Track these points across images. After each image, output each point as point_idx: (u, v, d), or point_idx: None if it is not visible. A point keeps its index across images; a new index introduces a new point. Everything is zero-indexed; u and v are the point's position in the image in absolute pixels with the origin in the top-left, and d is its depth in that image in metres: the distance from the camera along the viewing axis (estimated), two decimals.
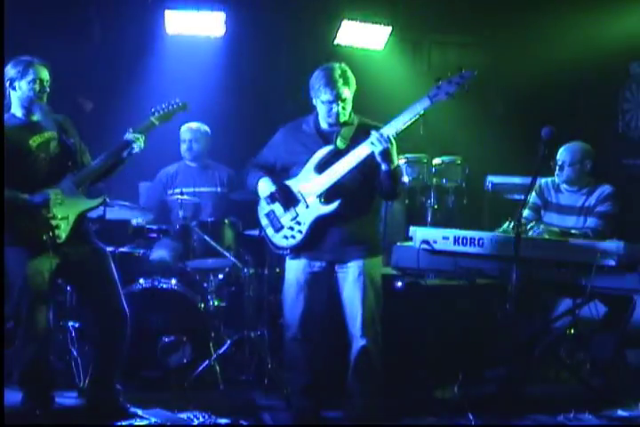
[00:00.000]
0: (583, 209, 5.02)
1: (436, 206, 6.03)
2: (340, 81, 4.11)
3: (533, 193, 5.08)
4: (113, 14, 6.76)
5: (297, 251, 4.25)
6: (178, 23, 6.67)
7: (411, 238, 4.73)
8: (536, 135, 4.24)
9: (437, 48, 7.73)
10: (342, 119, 4.19)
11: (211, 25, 6.71)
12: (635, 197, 6.14)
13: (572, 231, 4.91)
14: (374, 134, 3.98)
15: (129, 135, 4.29)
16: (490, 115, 7.52)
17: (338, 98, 4.12)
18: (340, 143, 4.17)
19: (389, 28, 7.07)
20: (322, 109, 4.18)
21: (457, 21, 7.46)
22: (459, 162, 6.22)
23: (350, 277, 4.19)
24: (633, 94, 7.24)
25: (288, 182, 4.26)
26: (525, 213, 5.00)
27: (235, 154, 6.65)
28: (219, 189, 5.97)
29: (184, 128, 5.96)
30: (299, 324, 4.27)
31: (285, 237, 4.24)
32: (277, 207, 4.26)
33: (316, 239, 4.18)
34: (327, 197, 4.14)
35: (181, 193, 5.54)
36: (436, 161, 6.15)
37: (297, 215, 4.21)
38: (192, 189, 5.84)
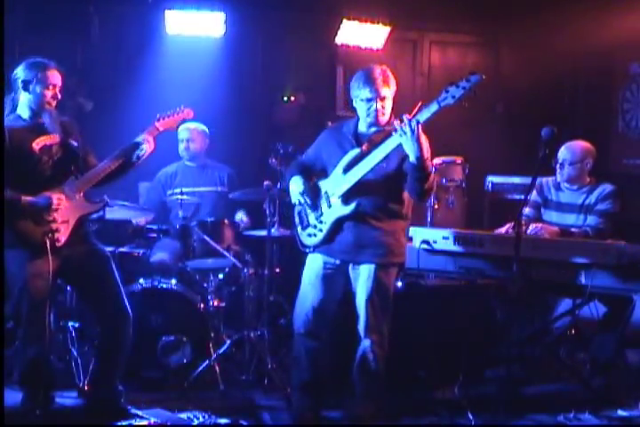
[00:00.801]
0: (583, 207, 5.03)
1: (436, 206, 6.03)
2: (380, 78, 4.14)
3: (534, 191, 5.09)
4: (113, 14, 6.76)
5: (315, 248, 4.31)
6: (178, 23, 6.66)
7: (411, 238, 4.73)
8: (536, 135, 4.24)
9: (437, 48, 7.74)
10: (382, 119, 4.19)
11: (211, 25, 6.70)
12: (635, 197, 6.15)
13: (572, 230, 4.91)
14: (403, 121, 3.94)
15: (139, 138, 4.27)
16: (490, 115, 7.52)
17: (377, 95, 4.13)
18: (365, 146, 4.18)
19: (389, 28, 7.07)
20: (361, 109, 4.19)
21: (457, 21, 7.46)
22: (459, 162, 6.22)
23: (360, 279, 4.20)
24: (633, 94, 7.25)
25: (320, 182, 4.33)
26: (526, 211, 5.01)
27: (234, 154, 6.66)
28: (219, 189, 5.97)
29: (181, 128, 5.94)
30: (304, 319, 4.28)
31: (309, 235, 4.32)
32: (308, 206, 4.34)
33: (335, 239, 4.23)
34: (348, 198, 4.17)
35: (181, 193, 5.53)
36: (436, 161, 6.14)
37: (321, 214, 4.28)
38: (192, 189, 5.83)
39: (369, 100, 4.15)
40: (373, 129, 4.22)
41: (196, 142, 5.99)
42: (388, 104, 4.19)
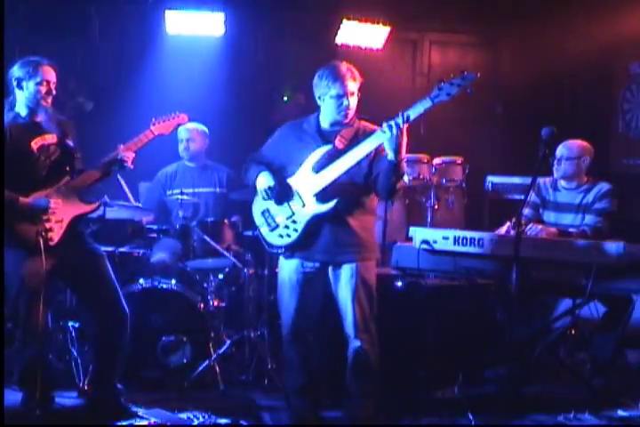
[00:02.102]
0: (581, 206, 5.04)
1: (436, 206, 6.03)
2: (348, 74, 4.11)
3: (532, 192, 5.09)
4: (113, 14, 6.77)
5: (291, 250, 4.21)
6: (178, 23, 6.68)
7: (411, 238, 4.72)
8: (536, 135, 4.24)
9: (437, 48, 7.74)
10: (351, 114, 4.17)
11: (211, 25, 6.71)
12: (635, 197, 6.15)
13: (570, 229, 4.92)
14: (387, 123, 3.94)
15: (119, 154, 4.27)
16: (490, 115, 7.53)
17: (347, 92, 4.11)
18: (338, 143, 4.15)
19: (389, 28, 7.08)
20: (330, 106, 4.15)
21: (457, 21, 7.46)
22: (459, 162, 6.22)
23: (343, 279, 4.17)
24: (633, 94, 7.25)
25: (288, 180, 4.22)
26: (526, 211, 5.02)
27: (234, 154, 6.64)
28: (218, 189, 5.96)
29: (181, 128, 5.92)
30: (291, 324, 4.25)
31: (280, 236, 4.21)
32: (272, 205, 4.23)
33: (310, 239, 4.15)
34: (324, 196, 4.11)
35: (181, 193, 5.53)
36: (436, 161, 6.15)
37: (293, 214, 4.18)
38: (191, 190, 5.83)
39: (339, 97, 4.12)
40: (337, 126, 4.19)
41: (196, 142, 5.99)
42: (355, 100, 4.17)
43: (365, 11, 6.98)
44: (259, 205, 4.32)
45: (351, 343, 4.18)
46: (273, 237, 4.24)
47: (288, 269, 4.25)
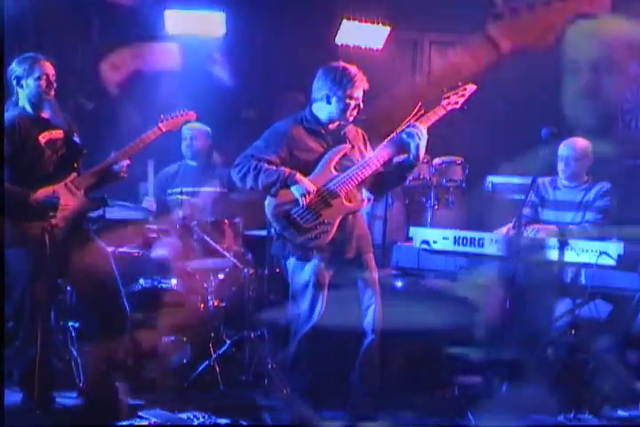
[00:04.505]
0: (582, 204, 5.06)
1: (436, 206, 6.03)
2: (361, 77, 4.19)
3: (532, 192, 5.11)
4: (113, 14, 6.77)
5: (319, 251, 4.18)
6: (178, 23, 6.68)
7: (411, 238, 4.73)
8: (536, 135, 4.25)
9: (437, 48, 7.74)
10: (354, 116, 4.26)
11: (211, 25, 6.72)
12: (635, 197, 6.15)
13: (570, 227, 4.92)
14: (414, 129, 4.14)
15: (117, 165, 4.30)
16: (490, 115, 7.52)
17: (359, 94, 4.19)
18: (352, 142, 4.26)
19: (389, 28, 7.08)
20: (339, 106, 4.18)
21: (457, 21, 7.45)
22: (459, 162, 6.22)
23: (362, 273, 4.24)
24: (633, 95, 7.24)
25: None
26: (525, 211, 5.02)
27: (234, 154, 6.64)
28: (219, 189, 5.97)
29: (185, 127, 5.95)
30: (314, 326, 4.22)
31: (311, 239, 4.16)
32: (297, 208, 4.16)
33: (336, 237, 4.18)
34: (352, 195, 4.20)
35: (181, 193, 5.54)
36: (436, 161, 6.15)
37: (321, 215, 4.15)
38: (192, 189, 5.84)
39: (351, 98, 4.16)
40: (334, 124, 4.25)
41: (200, 140, 6.01)
42: (360, 102, 4.24)
43: (365, 11, 6.99)
44: (278, 208, 4.20)
45: (368, 337, 4.22)
46: (303, 240, 4.18)
47: (311, 270, 4.20)
